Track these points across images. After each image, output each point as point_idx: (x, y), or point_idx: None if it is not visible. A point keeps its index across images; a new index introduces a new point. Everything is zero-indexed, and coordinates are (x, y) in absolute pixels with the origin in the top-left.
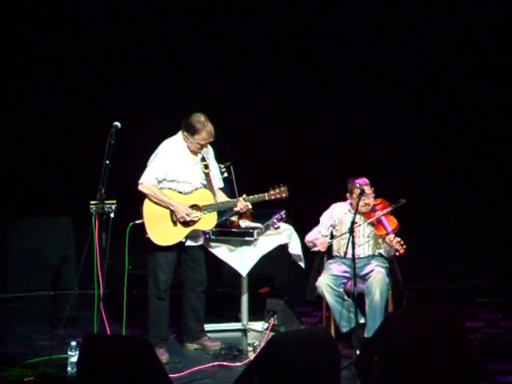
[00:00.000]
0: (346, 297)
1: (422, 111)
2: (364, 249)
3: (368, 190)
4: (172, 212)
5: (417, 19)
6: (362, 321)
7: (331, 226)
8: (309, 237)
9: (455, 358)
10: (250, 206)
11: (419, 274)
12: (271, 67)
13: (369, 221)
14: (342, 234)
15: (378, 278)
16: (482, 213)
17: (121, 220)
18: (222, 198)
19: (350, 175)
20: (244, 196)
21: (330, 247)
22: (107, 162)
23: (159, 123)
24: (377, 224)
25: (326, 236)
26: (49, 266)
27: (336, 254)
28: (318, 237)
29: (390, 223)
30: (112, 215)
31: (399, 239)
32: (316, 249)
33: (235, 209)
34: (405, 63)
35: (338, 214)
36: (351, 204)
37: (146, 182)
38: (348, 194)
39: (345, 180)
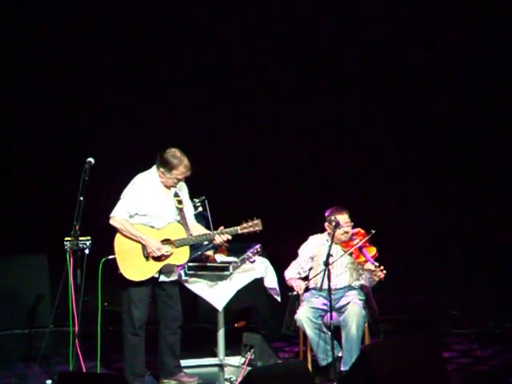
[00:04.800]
0: (324, 329)
1: (395, 144)
2: (341, 279)
3: (345, 219)
4: (144, 246)
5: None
6: (340, 354)
7: (310, 257)
8: (287, 275)
9: None
10: (230, 237)
11: (395, 305)
12: (245, 100)
13: (348, 251)
14: (319, 273)
15: (354, 311)
16: (459, 245)
17: (96, 256)
18: (200, 231)
19: (325, 207)
20: (221, 228)
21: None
22: (81, 198)
23: (132, 159)
24: (356, 252)
25: (305, 272)
26: (23, 304)
27: (313, 286)
28: (294, 277)
29: (369, 251)
30: (87, 251)
31: (377, 264)
32: (294, 292)
33: (215, 242)
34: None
35: (316, 246)
36: (329, 234)
37: (118, 215)
38: (326, 224)
39: (321, 212)
